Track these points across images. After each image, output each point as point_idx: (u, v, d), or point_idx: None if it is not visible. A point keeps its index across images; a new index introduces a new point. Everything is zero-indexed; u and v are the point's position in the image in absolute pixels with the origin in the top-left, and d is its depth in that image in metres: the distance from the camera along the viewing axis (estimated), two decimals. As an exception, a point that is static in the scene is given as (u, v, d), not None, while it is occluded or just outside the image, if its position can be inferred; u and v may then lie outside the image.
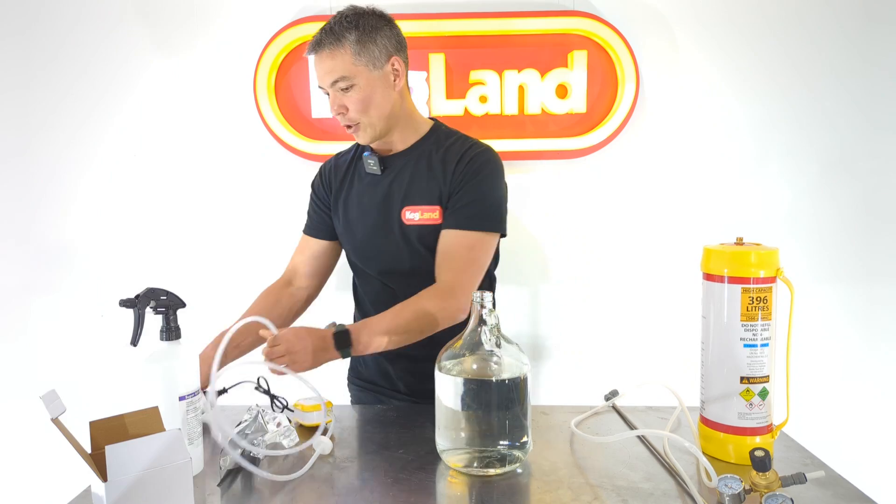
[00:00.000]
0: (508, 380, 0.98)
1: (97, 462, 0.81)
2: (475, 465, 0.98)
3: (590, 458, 1.05)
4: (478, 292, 1.02)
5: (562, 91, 2.02)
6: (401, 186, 1.37)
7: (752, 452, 0.87)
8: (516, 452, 0.99)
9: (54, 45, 2.07)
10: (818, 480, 0.92)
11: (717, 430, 1.02)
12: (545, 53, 2.01)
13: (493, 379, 0.98)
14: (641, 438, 1.11)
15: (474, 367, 1.00)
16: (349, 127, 1.33)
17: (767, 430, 1.01)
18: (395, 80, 1.32)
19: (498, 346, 1.00)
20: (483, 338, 1.00)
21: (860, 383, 2.10)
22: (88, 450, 0.84)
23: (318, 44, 1.28)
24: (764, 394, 0.99)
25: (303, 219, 2.17)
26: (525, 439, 1.00)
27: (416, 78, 2.02)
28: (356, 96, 1.28)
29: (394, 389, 1.46)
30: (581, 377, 2.13)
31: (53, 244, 2.13)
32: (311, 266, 1.52)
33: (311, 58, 1.31)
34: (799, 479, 0.87)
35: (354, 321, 1.54)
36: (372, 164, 1.39)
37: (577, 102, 2.01)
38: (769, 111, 2.04)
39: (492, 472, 0.98)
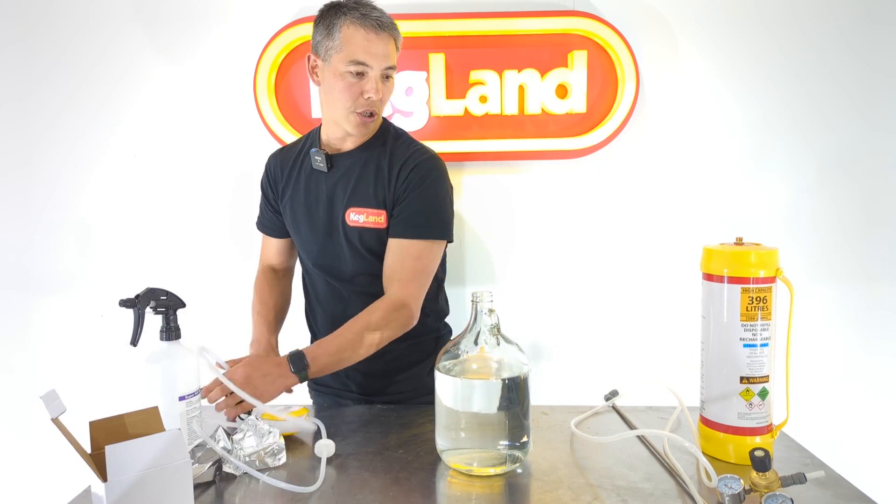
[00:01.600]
0: (508, 380, 0.98)
1: (97, 462, 0.81)
2: (475, 464, 0.98)
3: (590, 458, 1.05)
4: (477, 292, 1.02)
5: (562, 91, 2.02)
6: (346, 187, 1.36)
7: (752, 452, 0.87)
8: (516, 452, 0.99)
9: (57, 48, 2.07)
10: (818, 480, 0.92)
11: (717, 430, 1.02)
12: (545, 53, 2.01)
13: (493, 379, 0.98)
14: (641, 438, 1.11)
15: (474, 367, 1.00)
16: (369, 115, 1.29)
17: (767, 430, 1.01)
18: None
19: (498, 345, 1.00)
20: (483, 338, 1.00)
21: (860, 383, 2.10)
22: (88, 450, 0.84)
23: (382, 25, 1.25)
24: (764, 394, 1.00)
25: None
26: (525, 439, 1.00)
27: (416, 78, 2.02)
28: (390, 87, 1.31)
29: (347, 390, 1.47)
30: (581, 377, 2.13)
31: (54, 244, 2.14)
32: (280, 259, 1.58)
33: (362, 32, 1.24)
34: (799, 479, 0.87)
35: (307, 315, 1.55)
36: (319, 161, 1.37)
37: (577, 102, 2.01)
38: (769, 111, 2.04)
39: (492, 472, 0.98)
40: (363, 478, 0.98)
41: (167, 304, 1.05)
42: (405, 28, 1.99)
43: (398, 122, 2.04)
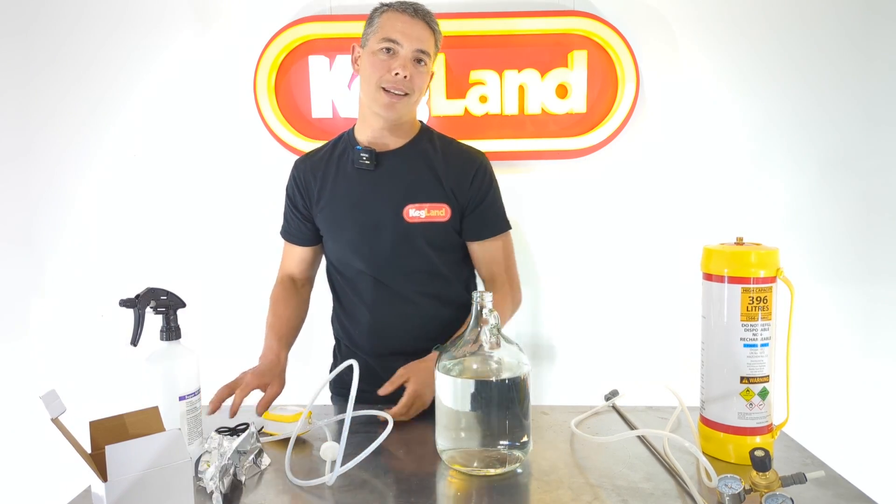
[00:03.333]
0: (508, 380, 0.98)
1: (97, 462, 0.81)
2: (475, 464, 0.98)
3: (590, 458, 1.05)
4: (477, 292, 1.02)
5: (562, 91, 2.02)
6: (400, 184, 1.37)
7: (752, 452, 0.87)
8: (516, 452, 0.99)
9: (55, 45, 2.07)
10: (818, 480, 0.92)
11: (717, 430, 1.02)
12: (545, 53, 2.01)
13: (493, 379, 0.98)
14: (641, 438, 1.11)
15: (474, 367, 1.00)
16: (396, 95, 1.30)
17: (767, 429, 1.01)
18: (429, 83, 1.39)
19: (498, 346, 1.00)
20: (483, 338, 1.00)
21: (860, 383, 2.10)
22: (88, 450, 0.84)
23: (418, 12, 1.31)
24: (764, 394, 0.99)
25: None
26: (525, 439, 1.00)
27: (416, 78, 2.02)
28: (422, 72, 1.32)
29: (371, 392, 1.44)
30: (581, 377, 2.13)
31: (54, 244, 2.14)
32: (301, 269, 1.53)
33: (397, 15, 1.30)
34: (799, 479, 0.86)
35: (336, 322, 1.52)
36: (365, 158, 1.37)
37: (577, 102, 2.01)
38: (769, 111, 2.04)
39: (492, 472, 0.97)
40: (363, 478, 0.98)
41: (167, 304, 1.05)
42: (405, 28, 2.01)
43: (398, 122, 2.05)
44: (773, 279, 0.99)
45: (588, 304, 2.12)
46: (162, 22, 2.06)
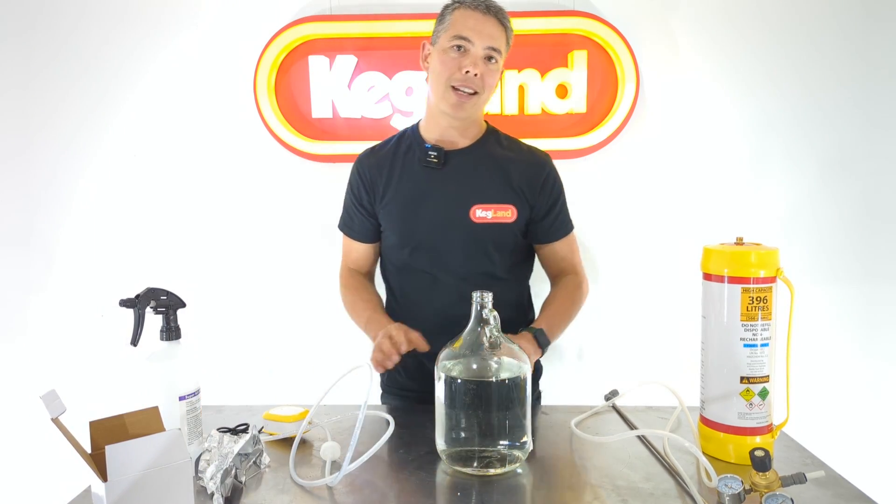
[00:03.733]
0: (508, 380, 0.98)
1: (97, 462, 0.81)
2: (475, 465, 0.98)
3: (590, 458, 1.05)
4: (477, 292, 1.02)
5: (562, 91, 2.02)
6: (467, 184, 1.36)
7: (752, 452, 0.87)
8: (516, 452, 0.99)
9: (55, 44, 2.07)
10: (818, 480, 0.92)
11: (717, 430, 1.02)
12: (545, 53, 2.01)
13: (493, 379, 0.98)
14: (641, 438, 1.11)
15: (474, 367, 1.00)
16: (466, 94, 1.29)
17: (767, 429, 1.01)
18: (499, 81, 1.38)
19: (498, 346, 1.00)
20: (483, 338, 1.00)
21: (860, 383, 2.10)
22: (88, 450, 0.84)
23: (490, 9, 1.30)
24: (764, 394, 0.99)
25: (304, 220, 2.17)
26: (525, 439, 1.00)
27: (416, 78, 2.02)
28: (493, 70, 1.32)
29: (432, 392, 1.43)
30: (581, 377, 2.13)
31: (53, 244, 2.13)
32: (362, 265, 1.52)
33: (469, 12, 1.29)
34: (799, 479, 0.87)
35: (390, 315, 1.43)
36: (434, 157, 1.36)
37: (577, 102, 2.01)
38: (769, 111, 2.04)
39: (492, 472, 0.97)
40: (364, 478, 0.98)
41: (167, 304, 1.05)
42: (405, 28, 2.00)
43: (398, 122, 2.05)
44: (773, 279, 0.99)
45: (588, 303, 2.11)
46: (162, 22, 2.06)
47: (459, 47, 1.28)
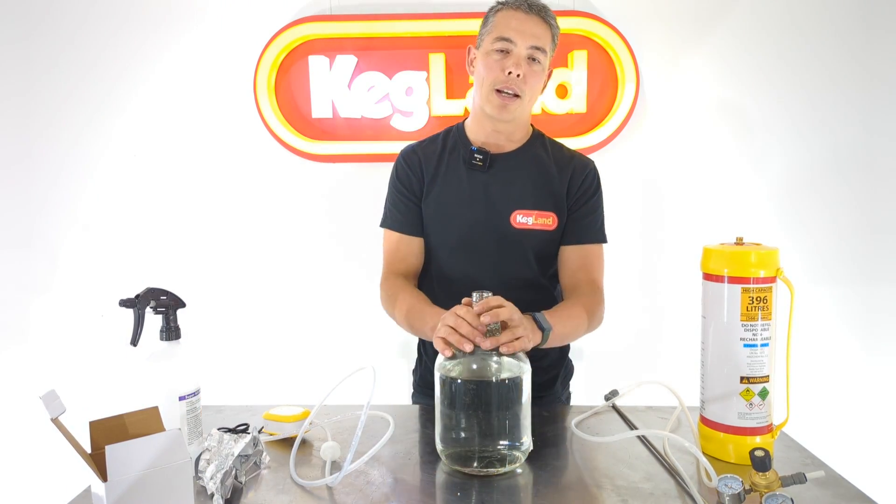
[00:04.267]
0: (508, 380, 0.98)
1: (97, 462, 0.81)
2: (475, 465, 0.98)
3: (590, 458, 1.05)
4: (476, 293, 1.01)
5: (562, 91, 2.02)
6: (510, 189, 1.34)
7: (752, 452, 0.87)
8: (516, 452, 0.99)
9: (57, 46, 2.07)
10: (818, 480, 0.92)
11: (717, 430, 1.02)
12: (545, 53, 2.01)
13: (493, 379, 0.98)
14: (641, 438, 1.11)
15: (474, 367, 1.00)
16: (509, 95, 1.27)
17: (767, 429, 1.01)
18: (546, 83, 1.36)
19: (498, 346, 1.00)
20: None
21: (860, 383, 2.10)
22: (88, 450, 0.84)
23: (532, 8, 1.28)
24: (764, 394, 0.99)
25: (304, 220, 2.17)
26: (525, 439, 1.00)
27: (416, 78, 2.02)
28: (537, 71, 1.29)
29: None
30: (581, 377, 2.12)
31: (54, 245, 2.14)
32: (418, 262, 1.41)
33: (511, 13, 1.27)
34: (799, 479, 0.86)
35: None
36: (479, 160, 1.33)
37: (577, 102, 2.01)
38: (768, 112, 2.04)
39: (492, 472, 0.97)
40: (364, 478, 0.98)
41: (167, 304, 1.05)
42: (405, 28, 2.00)
43: (398, 122, 2.05)
44: (772, 279, 0.99)
45: (588, 304, 2.11)
46: (162, 23, 2.06)
47: (502, 49, 1.27)
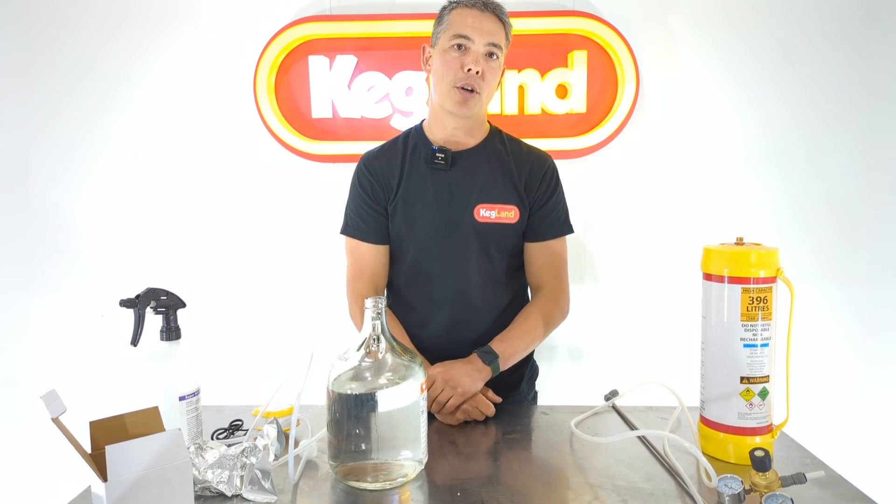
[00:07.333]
0: (402, 390, 0.94)
1: (97, 462, 0.81)
2: (368, 479, 0.94)
3: (590, 458, 1.05)
4: (370, 299, 0.96)
5: (562, 91, 2.02)
6: (473, 184, 1.36)
7: (752, 452, 0.87)
8: (412, 464, 0.95)
9: (55, 45, 2.07)
10: (818, 480, 0.92)
11: (717, 430, 1.02)
12: (545, 53, 2.01)
13: (386, 389, 0.93)
14: (641, 438, 1.11)
15: (367, 377, 0.95)
16: (468, 92, 1.29)
17: (767, 430, 1.01)
18: (500, 79, 1.38)
19: (389, 353, 0.96)
20: (375, 346, 0.96)
21: (860, 383, 2.10)
22: (88, 450, 0.84)
23: (487, 6, 1.31)
24: (764, 394, 0.99)
25: (304, 220, 2.17)
26: (420, 450, 0.96)
27: (416, 78, 2.02)
28: (494, 67, 1.32)
29: None
30: (581, 377, 2.13)
31: (54, 244, 2.13)
32: (384, 270, 1.43)
33: (467, 11, 1.30)
34: (799, 479, 0.86)
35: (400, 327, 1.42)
36: (441, 159, 1.35)
37: (577, 102, 2.01)
38: (768, 111, 2.04)
39: (388, 485, 0.93)
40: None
41: (167, 304, 1.05)
42: (405, 28, 2.00)
43: (398, 122, 2.05)
44: (773, 279, 0.99)
45: (588, 304, 2.12)
46: (162, 23, 2.06)
47: (460, 46, 1.29)
